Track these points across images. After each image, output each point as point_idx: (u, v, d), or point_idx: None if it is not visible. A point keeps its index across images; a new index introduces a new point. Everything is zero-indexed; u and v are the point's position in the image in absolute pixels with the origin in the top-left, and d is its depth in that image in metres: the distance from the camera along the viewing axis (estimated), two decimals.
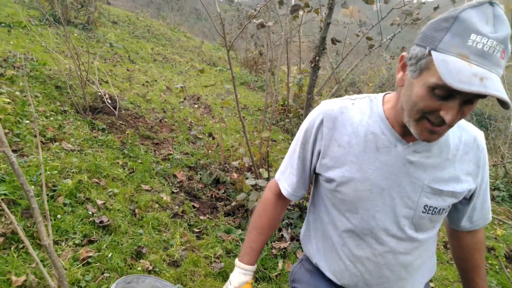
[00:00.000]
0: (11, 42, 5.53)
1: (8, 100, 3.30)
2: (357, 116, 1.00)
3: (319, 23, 4.10)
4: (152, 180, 3.24)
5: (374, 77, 15.82)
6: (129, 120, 4.47)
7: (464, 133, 1.01)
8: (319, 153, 1.05)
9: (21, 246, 1.99)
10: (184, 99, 6.26)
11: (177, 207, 2.99)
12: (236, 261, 1.20)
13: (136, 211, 2.68)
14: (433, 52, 0.78)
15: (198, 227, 2.84)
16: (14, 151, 2.75)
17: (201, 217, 2.99)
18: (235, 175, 3.51)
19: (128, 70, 6.70)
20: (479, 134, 1.03)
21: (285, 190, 1.15)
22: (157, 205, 2.89)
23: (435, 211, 0.99)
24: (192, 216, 2.95)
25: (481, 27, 0.74)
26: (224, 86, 5.49)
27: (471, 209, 1.10)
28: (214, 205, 3.27)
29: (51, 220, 2.24)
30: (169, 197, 3.09)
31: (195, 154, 4.09)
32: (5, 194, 2.23)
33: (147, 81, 6.44)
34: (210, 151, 4.01)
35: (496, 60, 0.75)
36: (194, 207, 3.12)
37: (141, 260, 2.23)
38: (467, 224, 1.13)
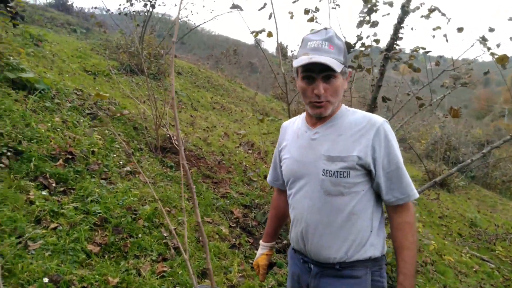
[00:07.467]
0: (96, 88, 6.41)
1: (99, 136, 3.91)
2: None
3: (370, 81, 4.44)
4: (213, 214, 3.61)
5: (426, 134, 15.68)
6: (192, 160, 4.96)
7: (359, 116, 1.37)
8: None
9: (112, 256, 2.39)
10: (240, 144, 6.76)
11: (234, 239, 3.31)
12: (260, 240, 1.77)
13: (200, 238, 3.03)
14: (294, 62, 1.33)
15: (253, 259, 3.12)
16: (103, 179, 3.26)
17: (255, 251, 3.28)
18: None
19: (191, 116, 7.39)
20: (376, 118, 1.35)
21: None
22: (217, 236, 3.23)
23: (330, 174, 1.32)
24: (247, 249, 3.25)
25: (313, 37, 1.33)
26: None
27: (383, 182, 1.31)
28: None
29: (133, 237, 2.65)
30: (227, 230, 3.42)
31: (249, 194, 4.44)
32: (99, 212, 2.69)
33: (207, 127, 7.05)
34: (263, 192, 4.35)
35: (325, 49, 1.28)
36: (248, 242, 3.42)
37: (205, 280, 2.54)
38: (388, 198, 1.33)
